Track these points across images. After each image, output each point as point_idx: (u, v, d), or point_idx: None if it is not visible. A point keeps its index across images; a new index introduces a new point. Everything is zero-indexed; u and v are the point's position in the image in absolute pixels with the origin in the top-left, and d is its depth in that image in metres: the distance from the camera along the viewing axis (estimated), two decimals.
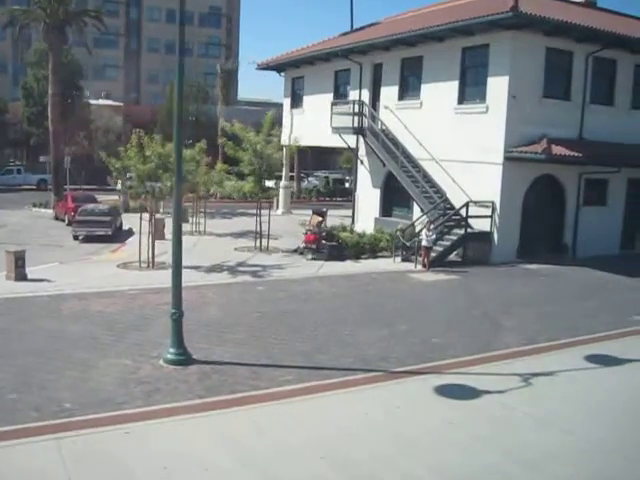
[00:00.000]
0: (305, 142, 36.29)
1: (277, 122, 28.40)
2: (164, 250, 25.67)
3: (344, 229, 28.83)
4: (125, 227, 31.88)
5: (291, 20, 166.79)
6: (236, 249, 26.28)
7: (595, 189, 26.71)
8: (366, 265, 23.67)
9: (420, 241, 22.70)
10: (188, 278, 20.04)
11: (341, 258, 24.41)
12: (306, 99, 35.70)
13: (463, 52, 25.31)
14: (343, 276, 21.48)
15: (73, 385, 11.11)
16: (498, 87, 23.70)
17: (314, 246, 24.59)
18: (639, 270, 23.66)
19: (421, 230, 23.19)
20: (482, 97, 24.53)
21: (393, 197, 29.11)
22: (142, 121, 64.26)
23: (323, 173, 60.33)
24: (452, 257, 24.52)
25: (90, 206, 29.57)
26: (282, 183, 39.71)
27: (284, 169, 39.63)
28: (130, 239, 28.07)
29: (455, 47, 25.48)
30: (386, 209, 29.89)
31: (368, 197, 30.93)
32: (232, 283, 20.10)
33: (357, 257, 24.72)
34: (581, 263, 24.66)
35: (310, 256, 24.52)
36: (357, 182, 32.22)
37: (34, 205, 40.07)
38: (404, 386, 11.88)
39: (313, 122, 33.41)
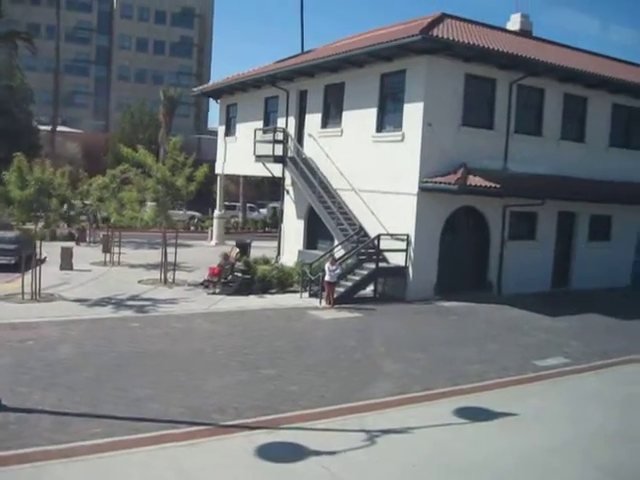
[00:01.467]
0: (237, 171, 35.29)
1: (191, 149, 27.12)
2: (65, 280, 24.36)
3: (266, 262, 27.35)
4: (43, 256, 30.36)
5: (268, 44, 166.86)
6: (140, 281, 24.69)
7: (522, 223, 25.49)
8: (269, 300, 22.15)
9: (324, 276, 21.21)
10: (66, 311, 18.99)
11: (248, 292, 22.91)
12: (239, 127, 34.48)
13: (382, 78, 24.14)
14: (235, 313, 19.92)
15: None
16: (414, 114, 22.50)
17: (215, 279, 23.07)
18: (564, 309, 22.42)
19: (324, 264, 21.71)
20: (399, 125, 23.32)
21: (317, 229, 27.67)
22: (97, 148, 63.53)
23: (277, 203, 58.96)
24: (367, 292, 23.08)
25: None
26: (216, 213, 38.40)
27: (218, 198, 38.36)
28: (36, 269, 26.40)
29: (374, 73, 24.32)
30: (310, 241, 28.48)
31: (293, 229, 29.53)
32: (108, 318, 18.48)
33: (265, 291, 23.21)
34: (504, 301, 23.30)
35: (213, 290, 23.02)
36: (283, 213, 30.83)
37: None
38: (222, 444, 10.27)
39: (244, 150, 32.11)
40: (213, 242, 37.56)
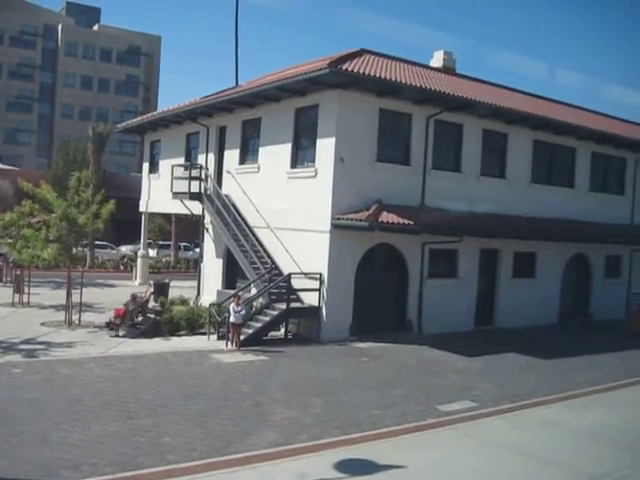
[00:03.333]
0: (161, 209, 34.35)
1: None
2: None
3: (183, 302, 26.27)
4: None
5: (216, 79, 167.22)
6: (43, 324, 23.31)
7: (443, 260, 25.03)
8: (174, 343, 21.06)
9: (228, 317, 20.27)
10: None
11: (155, 335, 21.79)
12: (162, 163, 33.63)
13: (296, 113, 23.64)
14: (132, 357, 18.73)
15: None
16: (326, 150, 21.98)
17: (119, 321, 21.93)
18: (483, 348, 21.85)
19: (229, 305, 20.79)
20: (312, 161, 22.79)
21: (236, 268, 26.73)
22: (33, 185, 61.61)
23: None
24: (280, 334, 22.17)
25: None
26: (140, 252, 37.27)
27: (142, 237, 37.27)
28: None
29: (289, 108, 23.82)
30: (229, 281, 27.54)
31: (213, 268, 28.59)
32: None
33: (173, 334, 22.12)
34: (424, 341, 22.65)
35: (116, 332, 21.83)
36: (203, 252, 29.88)
37: None
38: None
39: (167, 188, 31.16)
40: (137, 282, 36.31)
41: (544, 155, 28.05)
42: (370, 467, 11.16)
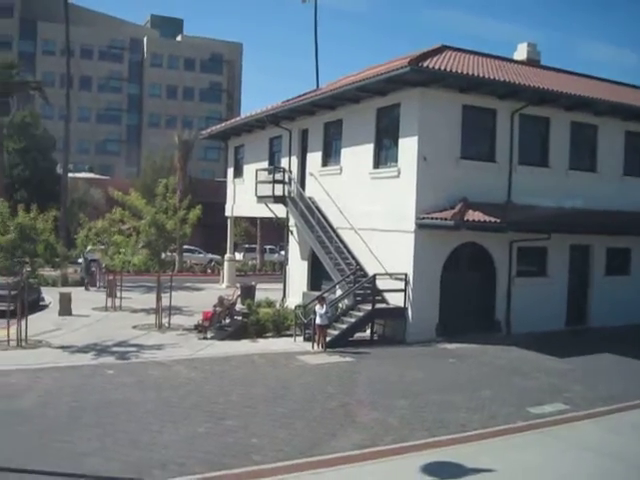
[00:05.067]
0: (246, 213, 34.87)
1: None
2: (59, 326, 23.90)
3: (269, 304, 26.57)
4: (48, 301, 30.22)
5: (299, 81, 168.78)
6: (135, 327, 24.05)
7: (531, 258, 24.34)
8: (260, 345, 21.27)
9: (314, 318, 20.31)
10: (45, 359, 18.42)
11: (242, 337, 22.09)
12: (246, 168, 34.09)
13: (377, 113, 23.50)
14: (220, 359, 19.05)
15: None
16: (409, 149, 21.73)
17: (207, 324, 22.34)
18: (575, 349, 21.11)
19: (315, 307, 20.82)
20: (395, 160, 22.58)
21: (320, 270, 26.76)
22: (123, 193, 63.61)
23: None
24: (366, 335, 22.08)
25: None
26: (227, 256, 37.94)
27: (228, 241, 37.91)
28: (36, 314, 26.07)
29: (370, 108, 23.70)
30: (314, 282, 27.61)
31: (298, 270, 28.77)
32: (85, 365, 17.78)
33: (259, 336, 22.36)
34: (513, 341, 22.08)
35: (204, 335, 22.25)
36: (288, 254, 30.10)
37: None
38: None
39: (251, 192, 31.61)
40: (224, 285, 36.95)
41: (638, 147, 26.85)
42: (458, 470, 10.92)
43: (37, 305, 28.78)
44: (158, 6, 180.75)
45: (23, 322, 20.29)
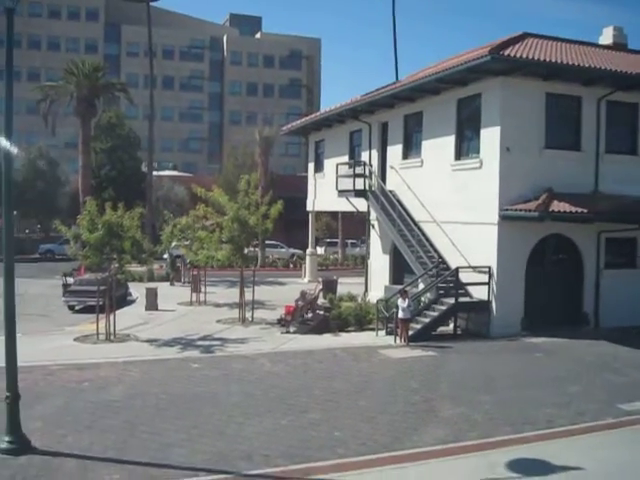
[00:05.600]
0: (326, 207, 34.99)
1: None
2: (146, 321, 24.61)
3: (351, 298, 26.61)
4: (135, 296, 31.19)
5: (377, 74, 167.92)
6: (219, 321, 24.55)
7: (621, 249, 23.45)
8: (342, 339, 21.29)
9: (396, 312, 20.19)
10: (133, 352, 19.02)
11: (324, 331, 22.18)
12: (326, 162, 34.19)
13: (458, 104, 23.11)
14: (302, 352, 19.20)
15: None
16: (491, 140, 21.30)
17: (289, 318, 22.53)
18: None
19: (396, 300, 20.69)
20: (476, 151, 22.17)
21: (402, 263, 26.57)
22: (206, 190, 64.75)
23: None
24: (449, 329, 21.82)
25: (87, 276, 28.67)
26: (308, 250, 38.17)
27: (310, 235, 38.12)
28: (123, 309, 26.95)
29: (451, 99, 23.34)
30: (396, 276, 27.44)
31: (379, 264, 28.67)
32: (171, 359, 18.29)
33: (341, 330, 22.39)
34: (601, 336, 21.39)
35: (287, 329, 22.46)
36: (369, 248, 30.03)
37: (64, 274, 39.76)
38: None
39: (332, 186, 31.69)
40: (306, 279, 37.21)
41: None
42: (544, 468, 10.65)
43: (125, 300, 29.81)
44: (237, 5, 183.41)
45: (112, 317, 20.99)
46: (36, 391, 14.35)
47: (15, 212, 13.21)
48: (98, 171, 53.84)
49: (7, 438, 10.97)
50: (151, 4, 43.42)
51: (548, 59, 20.38)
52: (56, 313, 27.23)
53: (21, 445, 10.97)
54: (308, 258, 38.22)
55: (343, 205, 31.19)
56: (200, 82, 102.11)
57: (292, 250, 52.33)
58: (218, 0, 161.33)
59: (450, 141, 23.37)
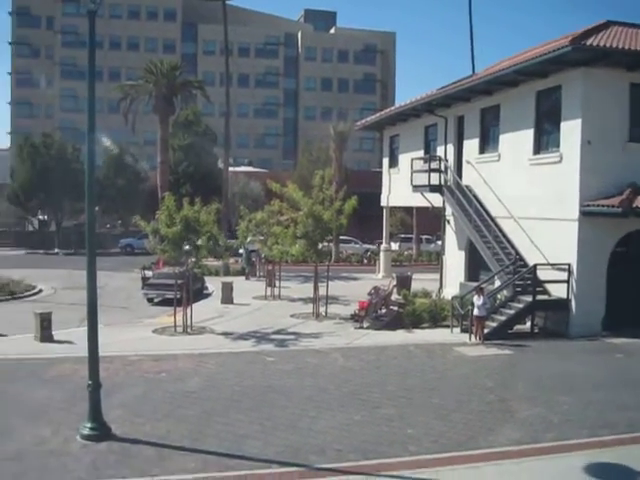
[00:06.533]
0: (401, 202, 34.76)
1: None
2: (221, 314, 25.00)
3: (425, 295, 26.36)
4: (211, 290, 31.71)
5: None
6: (292, 315, 24.72)
7: None
8: (416, 336, 21.09)
9: (472, 310, 19.87)
10: (209, 344, 19.40)
11: (397, 327, 22.03)
12: (401, 157, 33.93)
13: (537, 96, 22.48)
14: (375, 348, 19.14)
15: None
16: (571, 132, 20.66)
17: (363, 313, 22.48)
18: None
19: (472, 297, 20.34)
20: (556, 145, 21.55)
21: (478, 260, 26.13)
22: (281, 186, 65.25)
23: None
24: (526, 328, 21.33)
25: (165, 269, 29.32)
26: (382, 246, 38.02)
27: (384, 231, 37.94)
28: (200, 302, 27.42)
29: (529, 92, 22.75)
30: (471, 273, 27.04)
31: (454, 260, 28.29)
32: (246, 352, 18.53)
33: (415, 326, 22.19)
34: None
35: (361, 324, 22.41)
36: (444, 244, 29.66)
37: (143, 267, 40.77)
38: None
39: (406, 181, 31.44)
40: (380, 275, 37.05)
41: None
42: (625, 474, 10.37)
43: (201, 294, 30.35)
44: (312, 1, 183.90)
45: (188, 310, 21.41)
46: (116, 380, 14.82)
47: (97, 208, 13.64)
48: (176, 167, 55.00)
49: (89, 425, 11.39)
50: (227, 2, 43.97)
51: (633, 48, 19.63)
52: (135, 305, 27.97)
53: (102, 432, 11.37)
54: (382, 254, 38.08)
55: (418, 200, 30.89)
56: (275, 78, 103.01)
57: (366, 246, 52.20)
58: None
59: (528, 135, 22.81)
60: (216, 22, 70.87)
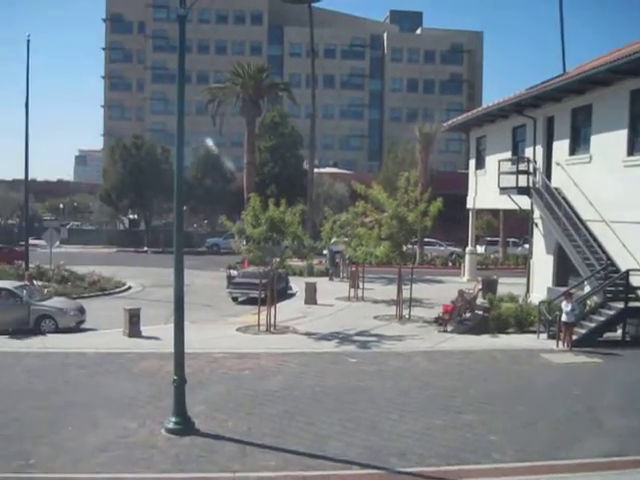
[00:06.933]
0: (487, 205, 34.17)
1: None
2: (304, 314, 25.19)
3: (511, 299, 25.79)
4: (294, 290, 32.01)
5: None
6: (376, 317, 24.65)
7: None
8: (501, 341, 20.65)
9: (560, 315, 19.30)
10: (292, 344, 19.61)
11: (482, 332, 21.63)
12: (488, 159, 33.31)
13: (632, 96, 21.62)
14: (459, 352, 18.85)
15: None
16: None
17: (447, 317, 22.19)
18: None
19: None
20: None
21: (567, 264, 25.35)
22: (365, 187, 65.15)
23: None
24: (617, 335, 20.57)
25: (250, 269, 29.76)
26: (468, 249, 37.41)
27: (470, 234, 37.36)
28: (283, 302, 27.74)
29: (623, 91, 21.91)
30: (560, 277, 26.23)
31: (542, 264, 27.55)
32: (328, 352, 18.65)
33: (500, 331, 21.72)
34: None
35: (444, 328, 22.14)
36: (532, 247, 28.94)
37: (229, 267, 41.44)
38: None
39: (493, 183, 30.87)
40: (465, 278, 36.48)
41: None
42: None
43: (285, 293, 30.69)
44: (398, 1, 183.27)
45: (272, 309, 21.68)
46: (200, 377, 15.17)
47: (185, 208, 14.00)
48: (262, 168, 55.74)
49: (174, 419, 11.70)
50: (313, 5, 44.36)
51: None
52: (220, 304, 28.56)
53: (186, 426, 11.67)
54: (467, 257, 37.48)
55: (505, 203, 30.24)
56: (360, 80, 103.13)
57: (451, 248, 51.54)
58: None
59: (622, 135, 21.97)
60: (302, 24, 71.69)
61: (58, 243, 40.25)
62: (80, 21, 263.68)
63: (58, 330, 21.23)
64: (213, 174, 60.69)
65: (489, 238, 54.42)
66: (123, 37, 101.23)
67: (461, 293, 23.53)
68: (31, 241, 38.09)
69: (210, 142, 60.58)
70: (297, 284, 32.51)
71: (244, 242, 21.96)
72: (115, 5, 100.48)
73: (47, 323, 21.39)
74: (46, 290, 26.59)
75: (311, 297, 27.84)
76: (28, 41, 31.32)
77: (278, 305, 25.87)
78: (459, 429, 12.21)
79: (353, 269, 31.06)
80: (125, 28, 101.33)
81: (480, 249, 49.08)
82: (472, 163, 36.29)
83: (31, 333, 20.79)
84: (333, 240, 29.82)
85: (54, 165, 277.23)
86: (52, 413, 12.73)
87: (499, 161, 28.52)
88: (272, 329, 21.63)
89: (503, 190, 27.89)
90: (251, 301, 27.26)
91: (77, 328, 21.95)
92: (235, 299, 29.25)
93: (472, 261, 37.63)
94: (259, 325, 21.64)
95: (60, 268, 32.98)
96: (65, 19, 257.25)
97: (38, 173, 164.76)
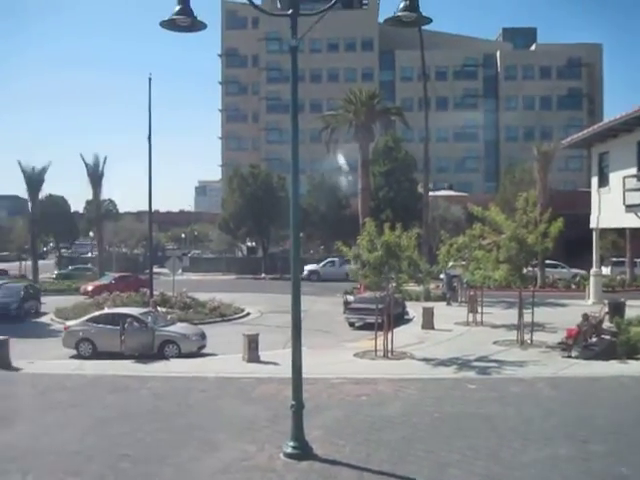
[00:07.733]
0: (612, 224, 32.83)
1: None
2: (422, 340, 24.92)
3: None
4: (411, 315, 31.72)
5: None
6: (495, 342, 23.97)
7: None
8: (631, 367, 19.31)
9: None
10: (409, 370, 19.51)
11: (611, 357, 20.58)
12: (611, 176, 31.93)
13: None
14: (585, 379, 18.00)
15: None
16: None
17: (571, 342, 21.29)
18: None
19: None
20: None
21: None
22: (482, 209, 63.77)
23: None
24: None
25: (366, 294, 29.78)
26: (592, 270, 35.88)
27: (594, 254, 35.87)
28: (400, 327, 27.51)
29: None
30: None
31: None
32: (446, 378, 18.32)
33: (630, 357, 20.58)
34: None
35: (569, 353, 21.24)
36: None
37: (345, 292, 41.58)
38: None
39: (618, 201, 29.62)
40: (590, 301, 34.94)
41: None
42: None
43: (402, 318, 30.44)
44: (510, 18, 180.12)
45: (389, 334, 21.58)
46: (318, 402, 15.26)
47: (301, 234, 14.24)
48: (376, 193, 55.92)
49: (292, 443, 11.79)
50: (423, 27, 44.26)
51: None
52: (337, 329, 28.74)
53: (304, 451, 11.74)
54: (592, 279, 35.90)
55: (632, 221, 28.95)
56: (474, 100, 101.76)
57: (574, 270, 49.62)
58: (491, 17, 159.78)
59: None
60: (413, 48, 71.66)
61: (180, 271, 41.92)
62: (198, 59, 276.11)
63: (181, 355, 22.08)
64: (328, 200, 61.42)
65: (615, 259, 52.14)
66: (238, 71, 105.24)
67: (586, 317, 22.51)
68: (155, 269, 39.92)
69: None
70: (414, 309, 32.20)
71: (360, 267, 22.01)
72: (230, 40, 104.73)
73: (170, 348, 22.28)
74: (169, 316, 27.71)
75: (428, 322, 27.52)
76: (150, 79, 33.25)
77: (395, 330, 25.65)
78: (585, 459, 11.64)
79: (471, 293, 30.45)
80: (240, 62, 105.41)
81: (605, 270, 47.08)
82: (594, 181, 34.91)
83: (155, 358, 21.70)
84: (450, 264, 29.33)
85: (176, 196, 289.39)
86: (175, 435, 13.20)
87: (624, 178, 27.38)
88: (389, 354, 21.52)
89: (629, 208, 26.75)
90: (368, 326, 27.18)
91: (198, 353, 22.73)
92: (352, 324, 29.34)
93: (597, 283, 36.02)
94: (376, 350, 21.58)
95: (182, 295, 34.36)
96: (184, 56, 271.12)
97: (161, 204, 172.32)
